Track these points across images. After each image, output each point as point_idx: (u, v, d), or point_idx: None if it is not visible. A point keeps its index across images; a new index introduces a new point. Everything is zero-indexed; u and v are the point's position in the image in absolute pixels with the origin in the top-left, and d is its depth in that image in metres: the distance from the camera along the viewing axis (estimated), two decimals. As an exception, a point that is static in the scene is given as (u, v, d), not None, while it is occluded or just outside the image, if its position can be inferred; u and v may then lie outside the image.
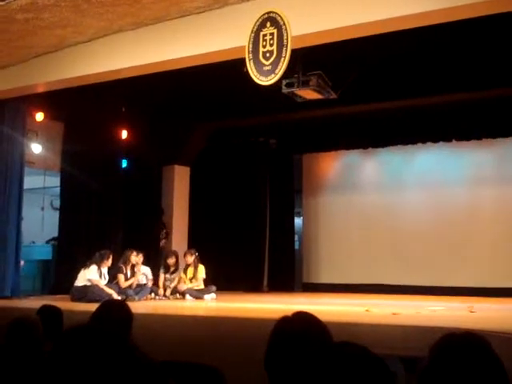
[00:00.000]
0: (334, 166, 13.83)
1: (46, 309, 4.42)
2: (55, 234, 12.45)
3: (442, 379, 1.63)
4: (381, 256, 12.63)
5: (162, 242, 13.09)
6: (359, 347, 1.51)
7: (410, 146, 12.24)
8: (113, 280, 10.33)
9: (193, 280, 10.96)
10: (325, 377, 1.40)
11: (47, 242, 13.15)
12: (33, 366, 3.13)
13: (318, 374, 1.42)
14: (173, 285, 10.98)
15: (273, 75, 7.29)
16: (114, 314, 3.27)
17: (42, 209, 13.96)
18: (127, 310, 3.35)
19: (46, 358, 1.53)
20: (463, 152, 12.13)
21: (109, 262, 10.17)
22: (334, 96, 8.93)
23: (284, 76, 7.58)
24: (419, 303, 9.02)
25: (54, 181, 12.60)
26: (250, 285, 12.94)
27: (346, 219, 13.24)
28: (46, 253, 13.00)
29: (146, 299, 10.40)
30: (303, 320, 2.25)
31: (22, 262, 11.07)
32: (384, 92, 10.28)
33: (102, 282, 10.01)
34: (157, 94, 10.70)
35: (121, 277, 10.37)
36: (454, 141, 11.78)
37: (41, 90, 9.94)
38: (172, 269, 11.14)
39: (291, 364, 2.03)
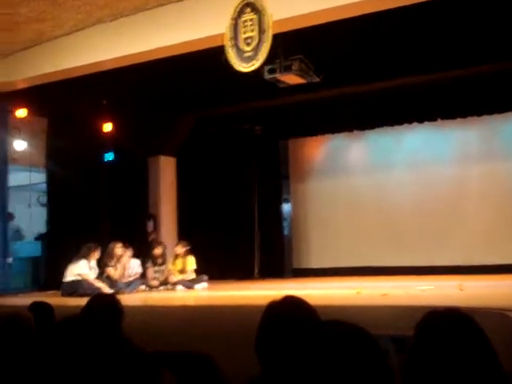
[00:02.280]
0: (320, 150, 13.82)
1: (36, 305, 4.40)
2: (43, 230, 12.42)
3: (428, 356, 1.65)
4: (370, 238, 12.66)
5: (151, 234, 13.05)
6: (347, 324, 1.51)
7: (396, 126, 12.22)
8: (102, 274, 10.31)
9: (182, 272, 10.94)
10: (315, 356, 1.39)
11: (36, 238, 13.11)
12: (26, 362, 3.12)
13: (309, 354, 1.42)
14: (162, 277, 10.96)
15: (254, 61, 7.28)
16: (104, 306, 3.26)
17: (29, 206, 13.91)
18: (117, 302, 3.35)
19: (38, 353, 1.52)
20: (449, 130, 12.14)
21: (96, 255, 10.15)
22: (317, 80, 8.91)
23: (266, 62, 7.55)
24: (409, 283, 9.06)
25: (40, 177, 12.54)
26: (242, 272, 12.94)
27: (335, 203, 13.26)
28: (35, 249, 12.97)
29: (137, 291, 10.39)
30: (291, 303, 2.27)
31: (10, 259, 11.03)
32: (367, 73, 10.25)
33: (92, 276, 9.98)
34: (139, 85, 10.62)
35: (110, 270, 10.35)
36: (439, 120, 11.78)
37: (22, 85, 9.88)
38: (159, 260, 11.09)
39: (281, 347, 2.04)
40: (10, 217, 11.37)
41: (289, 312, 2.18)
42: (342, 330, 1.45)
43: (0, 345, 3.42)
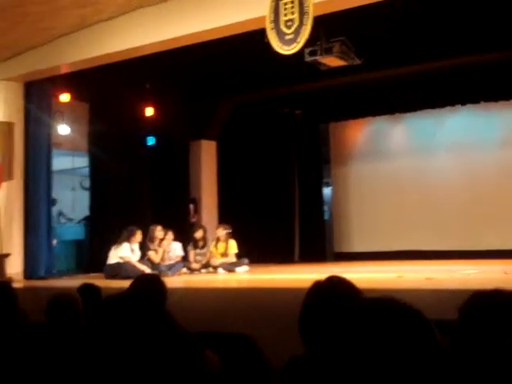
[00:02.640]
0: (361, 133, 13.72)
1: (85, 287, 4.46)
2: (87, 214, 12.59)
3: (471, 336, 1.62)
4: (413, 222, 12.54)
5: (193, 218, 13.15)
6: (394, 301, 1.47)
7: (438, 109, 12.04)
8: (144, 257, 10.43)
9: (224, 255, 11.00)
10: (361, 335, 1.36)
11: (79, 221, 13.31)
12: (73, 341, 3.18)
13: (354, 333, 1.39)
14: (205, 260, 11.04)
15: (295, 44, 7.22)
16: (149, 286, 3.28)
17: (73, 189, 14.13)
18: (161, 282, 3.37)
19: (84, 332, 1.53)
20: (492, 113, 11.94)
21: (137, 238, 10.25)
22: (358, 62, 8.82)
23: (306, 44, 7.49)
24: (452, 267, 8.95)
25: (83, 161, 12.71)
26: (282, 256, 12.95)
27: (376, 187, 13.16)
28: (79, 232, 13.17)
29: (179, 274, 10.49)
30: (336, 283, 2.26)
31: (54, 242, 11.24)
32: (409, 55, 10.10)
33: (134, 259, 10.10)
34: (180, 70, 10.66)
35: (151, 253, 10.47)
36: (482, 102, 11.57)
37: (65, 70, 9.99)
38: (200, 243, 11.19)
39: (326, 326, 2.03)
40: (53, 201, 11.56)
41: (333, 291, 2.17)
42: (390, 306, 1.41)
43: (49, 324, 3.50)
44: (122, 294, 1.64)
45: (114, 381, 1.34)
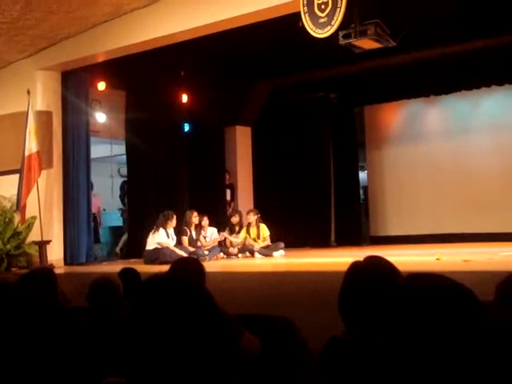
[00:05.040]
0: (396, 116, 13.60)
1: (125, 271, 4.53)
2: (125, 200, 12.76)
3: (506, 314, 1.63)
4: (450, 204, 12.43)
5: (230, 203, 13.23)
6: (436, 275, 1.42)
7: (474, 90, 11.88)
8: (181, 242, 10.54)
9: (257, 240, 11.07)
10: (407, 312, 1.35)
11: (119, 209, 13.48)
12: (115, 324, 3.25)
13: (394, 311, 1.38)
14: (241, 245, 11.12)
15: (329, 27, 7.19)
16: (189, 268, 3.32)
17: (111, 177, 14.30)
18: (200, 264, 3.41)
19: (125, 315, 1.54)
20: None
21: (173, 223, 10.36)
22: (393, 44, 8.70)
23: (340, 27, 7.44)
24: (491, 250, 8.86)
25: (120, 149, 12.85)
26: (318, 240, 12.97)
27: (412, 170, 13.05)
28: (117, 219, 13.35)
29: (216, 259, 10.58)
30: (374, 262, 2.28)
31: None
32: (443, 36, 9.97)
33: (171, 244, 10.21)
34: (215, 56, 10.69)
35: (184, 239, 10.58)
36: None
37: (101, 59, 10.10)
38: (237, 228, 11.28)
39: (365, 305, 2.05)
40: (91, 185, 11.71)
41: (372, 270, 2.18)
42: (431, 281, 1.38)
43: (92, 308, 3.58)
44: (162, 275, 1.66)
45: (154, 362, 1.36)
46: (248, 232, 11.15)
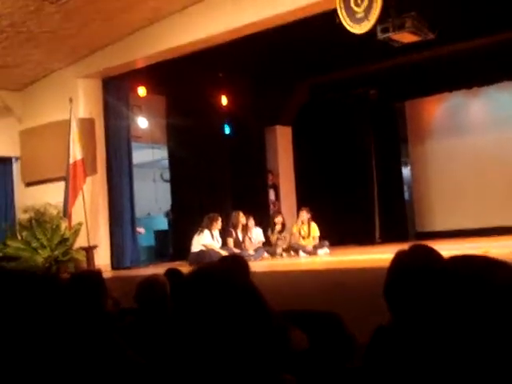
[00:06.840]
0: (438, 110, 13.43)
1: (171, 271, 4.57)
2: (168, 204, 12.86)
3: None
4: (496, 197, 12.21)
5: (274, 204, 13.24)
6: (487, 258, 1.38)
7: (516, 80, 11.67)
8: (226, 243, 10.58)
9: (306, 238, 11.05)
10: (448, 301, 1.33)
11: (165, 213, 13.58)
12: (163, 323, 3.29)
13: (442, 299, 1.36)
14: (285, 244, 11.12)
15: (366, 22, 7.15)
16: (233, 263, 3.34)
17: (154, 181, 14.45)
18: (245, 261, 3.43)
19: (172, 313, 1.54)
20: None
21: (218, 225, 10.41)
22: (431, 36, 8.60)
23: (378, 21, 7.38)
24: (540, 241, 8.69)
25: (162, 153, 12.97)
26: (363, 238, 12.86)
27: (456, 163, 12.87)
28: (162, 223, 13.46)
29: (262, 259, 10.60)
30: (420, 250, 2.26)
31: (142, 230, 11.51)
32: (482, 26, 9.80)
33: (216, 245, 10.26)
34: (253, 56, 10.70)
35: (230, 241, 10.61)
36: None
37: (140, 64, 10.21)
38: (279, 228, 11.28)
39: (411, 291, 2.03)
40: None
41: (417, 258, 2.17)
42: (476, 261, 1.35)
43: (140, 309, 3.63)
44: (206, 268, 1.65)
45: (201, 358, 1.35)
46: (299, 229, 11.14)
